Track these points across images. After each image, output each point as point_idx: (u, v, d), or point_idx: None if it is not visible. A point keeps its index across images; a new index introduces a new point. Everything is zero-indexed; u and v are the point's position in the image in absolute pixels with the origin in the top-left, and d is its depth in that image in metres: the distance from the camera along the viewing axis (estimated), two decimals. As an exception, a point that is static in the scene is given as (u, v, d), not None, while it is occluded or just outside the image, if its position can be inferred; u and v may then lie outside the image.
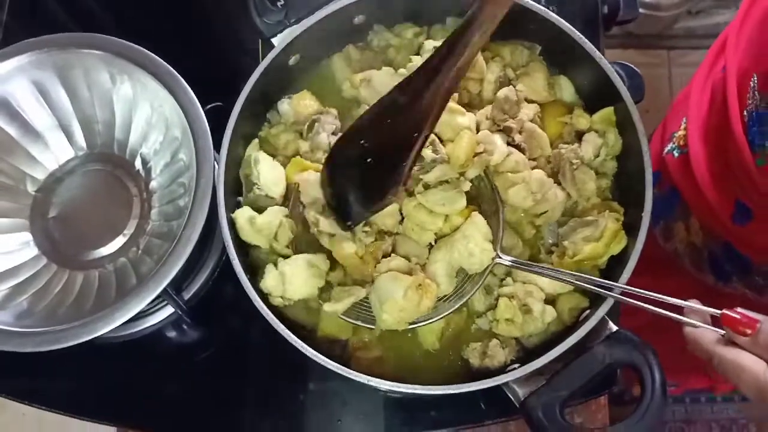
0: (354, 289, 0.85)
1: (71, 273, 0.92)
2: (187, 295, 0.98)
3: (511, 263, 0.84)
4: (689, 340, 0.75)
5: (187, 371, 1.00)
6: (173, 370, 1.01)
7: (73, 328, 0.81)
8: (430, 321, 0.84)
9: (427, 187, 0.85)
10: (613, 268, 0.85)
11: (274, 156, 0.94)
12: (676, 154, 1.09)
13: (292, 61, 0.94)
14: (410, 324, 0.82)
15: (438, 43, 0.90)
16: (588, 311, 0.84)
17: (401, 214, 0.87)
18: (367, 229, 0.85)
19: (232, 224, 0.87)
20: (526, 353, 0.88)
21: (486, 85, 0.93)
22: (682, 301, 0.75)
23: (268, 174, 0.91)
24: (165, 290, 0.83)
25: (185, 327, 1.02)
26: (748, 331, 0.68)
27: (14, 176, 0.95)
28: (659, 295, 0.75)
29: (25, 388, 0.98)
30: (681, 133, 1.07)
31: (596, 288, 0.80)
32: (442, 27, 0.98)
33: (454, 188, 0.84)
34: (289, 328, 0.81)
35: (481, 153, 0.85)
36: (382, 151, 0.75)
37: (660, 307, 0.75)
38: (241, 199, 0.93)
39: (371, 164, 0.76)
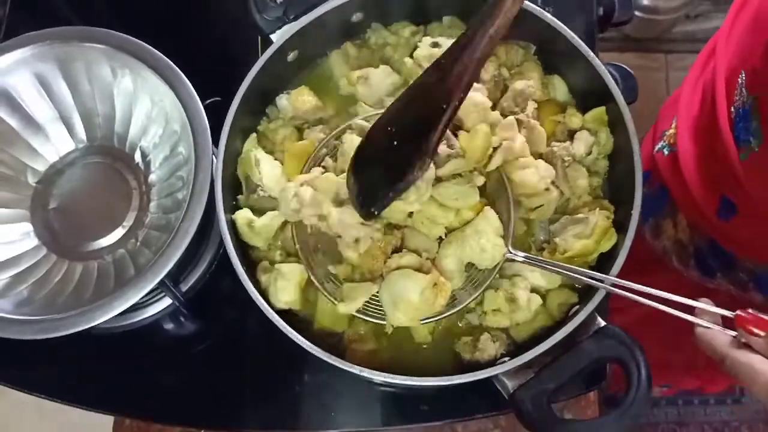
0: (365, 285, 0.84)
1: (71, 263, 0.93)
2: (184, 287, 0.99)
3: (523, 259, 0.84)
4: (701, 341, 0.75)
5: (185, 362, 1.01)
6: (171, 360, 1.01)
7: (71, 317, 0.82)
8: (441, 317, 0.84)
9: (439, 180, 0.84)
10: (602, 264, 0.86)
11: (272, 152, 0.95)
12: (666, 152, 1.10)
13: (290, 57, 0.95)
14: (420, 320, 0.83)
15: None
16: (577, 307, 0.86)
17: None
18: (378, 225, 0.85)
19: (231, 223, 0.88)
20: (516, 347, 0.89)
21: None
22: (694, 302, 0.75)
23: (270, 174, 0.92)
24: (163, 281, 0.84)
25: (182, 319, 1.02)
26: (762, 333, 0.68)
27: (15, 167, 0.96)
28: (667, 294, 0.75)
29: (24, 377, 0.98)
30: (671, 131, 1.08)
31: (608, 287, 0.80)
32: (439, 25, 0.99)
33: (467, 182, 0.83)
34: (285, 320, 0.82)
35: (498, 146, 0.85)
36: (409, 127, 0.74)
37: (665, 305, 0.75)
38: (240, 198, 0.94)
39: (398, 143, 0.75)
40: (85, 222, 0.95)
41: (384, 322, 0.84)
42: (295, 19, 0.91)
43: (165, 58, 0.93)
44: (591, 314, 0.81)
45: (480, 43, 0.68)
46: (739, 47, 0.90)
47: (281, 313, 0.84)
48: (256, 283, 0.87)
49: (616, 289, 0.79)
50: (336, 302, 0.84)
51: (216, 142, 0.88)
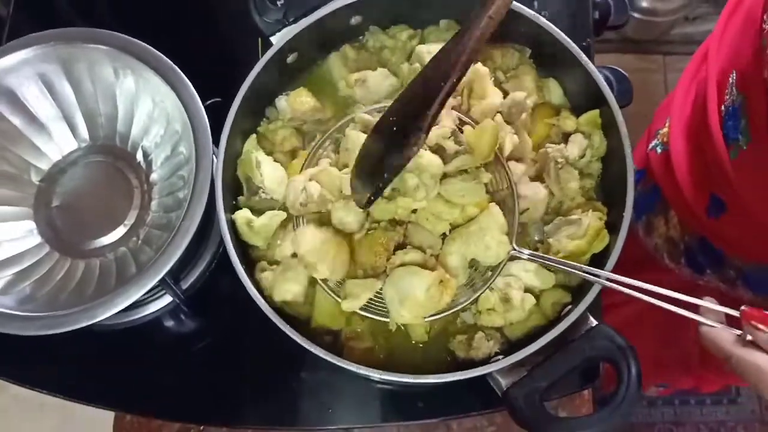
0: (369, 282, 0.84)
1: (73, 261, 0.94)
2: (185, 285, 1.00)
3: (528, 256, 0.85)
4: (706, 340, 0.75)
5: (185, 359, 1.02)
6: (171, 357, 1.02)
7: (74, 314, 0.83)
8: (444, 315, 0.84)
9: (445, 176, 0.84)
10: (595, 264, 0.86)
11: (271, 153, 0.96)
12: (659, 150, 1.11)
13: (290, 59, 0.96)
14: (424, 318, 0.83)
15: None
16: (570, 306, 0.87)
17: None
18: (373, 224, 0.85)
19: (231, 222, 0.89)
20: (510, 346, 0.90)
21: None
22: (698, 300, 0.76)
23: (271, 176, 0.93)
24: (163, 279, 0.85)
25: (183, 316, 1.03)
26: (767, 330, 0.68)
27: (19, 166, 0.97)
28: (670, 292, 0.75)
29: (27, 373, 0.99)
30: (665, 130, 1.09)
31: (612, 283, 0.80)
32: (436, 29, 1.00)
33: (473, 179, 0.83)
34: (283, 319, 0.83)
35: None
36: (409, 107, 0.75)
37: (668, 303, 0.75)
38: (241, 198, 0.95)
39: (397, 126, 0.76)
40: (87, 220, 0.96)
41: (386, 319, 0.85)
42: (295, 21, 0.92)
43: (167, 59, 0.94)
44: (583, 314, 0.82)
45: (479, 23, 0.70)
46: (730, 49, 0.91)
47: (279, 311, 0.85)
48: (255, 282, 0.88)
49: (623, 288, 0.78)
50: (339, 299, 0.84)
51: (216, 142, 0.89)
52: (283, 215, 0.91)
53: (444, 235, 0.87)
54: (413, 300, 0.80)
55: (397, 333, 0.91)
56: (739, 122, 0.85)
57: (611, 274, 0.81)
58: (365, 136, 0.81)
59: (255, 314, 0.83)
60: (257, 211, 0.92)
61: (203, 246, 1.01)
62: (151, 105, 0.96)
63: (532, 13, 0.92)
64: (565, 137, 0.95)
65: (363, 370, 0.81)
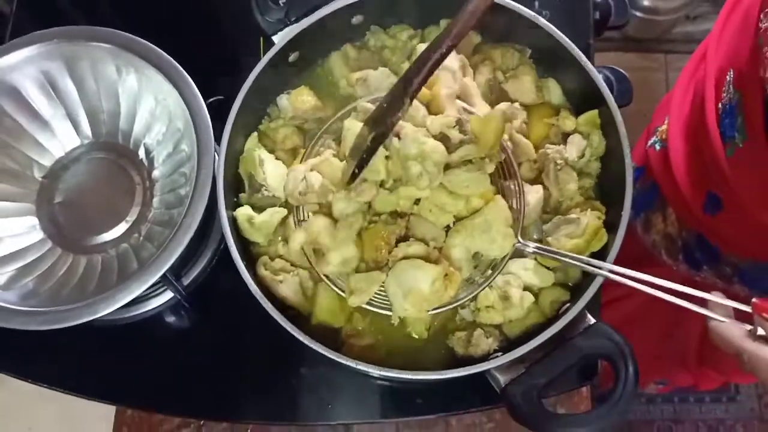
0: (373, 275, 0.83)
1: (75, 257, 0.95)
2: (186, 281, 1.01)
3: (533, 249, 0.85)
4: (715, 335, 0.74)
5: (185, 354, 1.02)
6: (172, 352, 1.03)
7: (76, 309, 0.83)
8: (447, 308, 0.84)
9: (449, 167, 0.83)
10: (593, 264, 0.88)
11: (273, 150, 0.96)
12: (657, 147, 1.12)
13: (291, 58, 0.97)
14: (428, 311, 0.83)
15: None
16: (568, 304, 0.87)
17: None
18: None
19: (232, 219, 0.90)
20: (508, 343, 0.90)
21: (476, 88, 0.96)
22: (706, 294, 0.75)
23: (274, 174, 0.93)
24: (165, 275, 0.86)
25: (184, 312, 1.04)
26: None
27: (22, 162, 0.98)
28: (678, 285, 0.75)
29: (28, 367, 1.00)
30: (663, 127, 1.10)
31: (617, 276, 0.80)
32: (436, 29, 1.00)
33: (477, 169, 0.82)
34: (283, 315, 0.83)
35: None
36: (399, 82, 0.75)
37: (674, 297, 0.75)
38: (242, 195, 0.95)
39: (387, 102, 0.76)
40: (89, 216, 0.97)
41: (389, 312, 0.84)
42: (297, 21, 0.93)
43: (169, 57, 0.94)
44: (581, 312, 0.83)
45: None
46: (728, 48, 0.92)
47: (280, 307, 0.85)
48: (256, 278, 0.88)
49: (631, 282, 0.78)
50: (344, 295, 0.84)
51: (218, 139, 0.90)
52: (284, 212, 0.92)
53: (448, 228, 0.86)
54: (417, 293, 0.80)
55: (397, 330, 0.91)
56: (735, 120, 0.86)
57: (615, 266, 0.81)
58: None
59: (255, 310, 0.84)
60: (258, 208, 0.93)
61: (204, 243, 1.02)
62: (154, 103, 0.97)
63: (532, 13, 0.92)
64: (564, 137, 0.95)
65: (362, 366, 0.81)
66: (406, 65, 0.95)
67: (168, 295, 1.01)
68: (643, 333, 1.36)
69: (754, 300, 0.70)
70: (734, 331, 0.72)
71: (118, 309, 0.84)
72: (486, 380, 0.85)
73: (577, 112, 0.97)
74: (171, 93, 0.93)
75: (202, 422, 1.05)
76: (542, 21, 0.92)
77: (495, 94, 0.97)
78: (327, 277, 0.86)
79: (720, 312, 0.75)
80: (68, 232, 0.96)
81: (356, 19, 0.98)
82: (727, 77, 0.88)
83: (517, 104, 0.94)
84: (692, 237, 1.10)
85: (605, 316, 0.87)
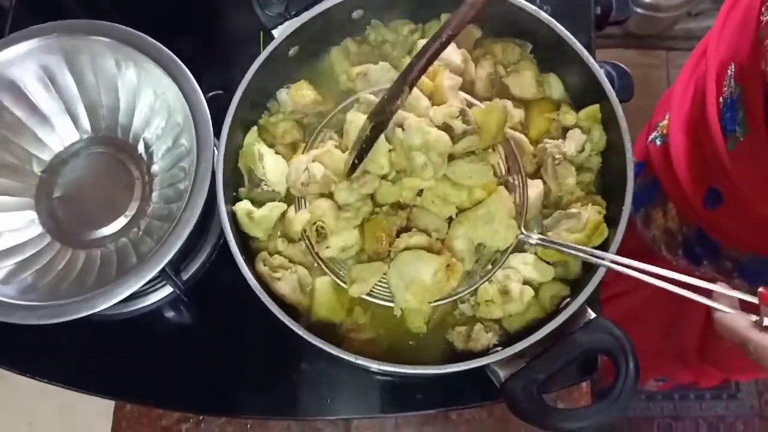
0: (375, 265, 0.83)
1: (74, 251, 0.95)
2: (185, 276, 1.01)
3: (536, 241, 0.84)
4: (720, 326, 0.74)
5: (184, 349, 1.02)
6: (171, 347, 1.02)
7: (74, 303, 0.83)
8: (448, 300, 0.85)
9: (452, 158, 0.83)
10: (594, 258, 0.88)
11: (272, 145, 0.96)
12: (658, 143, 1.12)
13: (291, 52, 0.96)
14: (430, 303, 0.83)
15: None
16: (568, 299, 0.87)
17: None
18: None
19: (231, 213, 0.90)
20: (508, 338, 0.90)
21: (477, 82, 0.96)
22: (711, 285, 0.75)
23: (274, 169, 0.93)
24: (164, 270, 0.86)
25: (183, 307, 1.04)
26: None
27: (21, 157, 0.98)
28: (683, 276, 0.74)
29: (27, 362, 1.00)
30: (664, 122, 1.10)
31: (621, 267, 0.79)
32: (437, 23, 1.00)
33: (480, 160, 0.82)
34: (282, 310, 0.83)
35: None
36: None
37: (679, 287, 0.75)
38: (242, 190, 0.95)
39: (387, 95, 0.76)
40: (88, 211, 0.97)
41: (391, 304, 0.84)
42: (297, 15, 0.92)
43: (168, 51, 0.94)
44: (582, 306, 0.82)
45: None
46: (729, 43, 0.92)
47: (279, 302, 0.85)
48: (256, 273, 0.88)
49: (636, 273, 0.78)
50: (344, 285, 0.84)
51: (218, 134, 0.90)
52: (283, 207, 0.92)
53: (450, 219, 0.86)
54: (419, 284, 0.80)
55: (398, 325, 0.91)
56: (736, 114, 0.86)
57: (617, 257, 0.80)
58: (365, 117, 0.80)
59: (255, 305, 0.83)
60: (258, 203, 0.93)
61: (204, 237, 1.02)
62: (153, 97, 0.97)
63: (534, 8, 0.92)
64: (565, 132, 0.95)
65: (362, 361, 0.81)
66: (406, 60, 0.95)
67: (167, 290, 1.01)
68: (643, 330, 1.36)
69: (760, 290, 0.70)
70: (740, 322, 0.72)
71: (117, 303, 0.84)
72: (486, 375, 0.84)
73: (577, 107, 0.96)
74: (170, 87, 0.93)
75: (201, 417, 1.05)
76: (544, 15, 0.91)
77: (496, 89, 0.97)
78: (327, 266, 0.86)
79: (725, 302, 0.74)
80: (67, 227, 0.96)
81: (356, 14, 0.98)
82: (728, 71, 0.88)
83: (510, 104, 0.94)
84: (692, 232, 1.10)
85: (606, 313, 0.87)
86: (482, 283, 0.86)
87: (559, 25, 0.92)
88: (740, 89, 0.85)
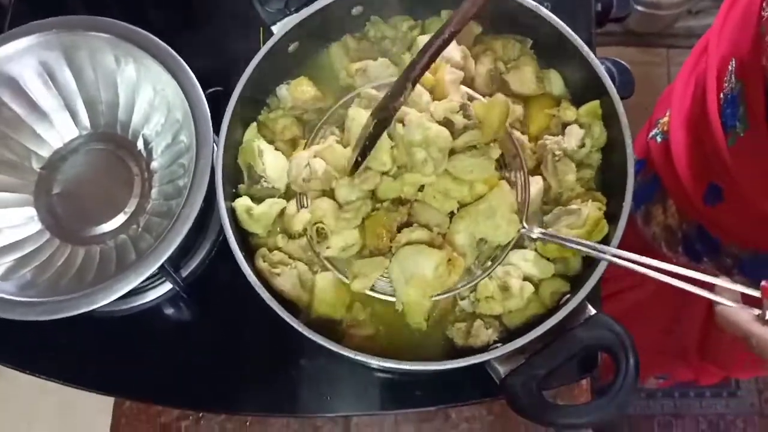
0: (377, 260, 0.83)
1: (73, 247, 0.95)
2: (184, 273, 1.01)
3: (538, 235, 0.84)
4: (722, 319, 0.75)
5: (184, 346, 1.02)
6: (170, 344, 1.02)
7: (74, 299, 0.83)
8: (449, 294, 0.85)
9: (453, 152, 0.82)
10: (594, 254, 0.88)
11: (272, 141, 0.96)
12: (659, 140, 1.12)
13: (291, 48, 0.96)
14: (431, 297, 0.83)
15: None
16: (568, 295, 0.87)
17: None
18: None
19: (231, 210, 0.90)
20: (508, 334, 0.90)
21: (477, 79, 0.96)
22: (714, 279, 0.75)
23: (273, 165, 0.93)
24: (163, 266, 0.86)
25: (182, 304, 1.04)
26: None
27: (20, 153, 0.98)
28: (685, 270, 0.75)
29: (26, 358, 0.99)
30: (665, 119, 1.10)
31: (623, 261, 0.79)
32: (437, 20, 1.00)
33: (482, 155, 0.82)
34: (282, 306, 0.83)
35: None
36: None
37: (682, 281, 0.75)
38: (241, 186, 0.95)
39: (390, 92, 0.76)
40: (87, 207, 0.97)
41: (392, 299, 0.84)
42: (297, 11, 0.92)
43: (168, 47, 0.94)
44: (582, 303, 0.82)
45: None
46: (730, 40, 0.92)
47: (279, 301, 0.85)
48: (255, 270, 0.88)
49: (638, 267, 0.78)
50: (346, 280, 0.84)
51: (217, 130, 0.90)
52: (283, 203, 0.92)
53: (452, 214, 0.86)
54: (420, 279, 0.80)
55: (398, 321, 0.90)
56: (737, 109, 0.86)
57: (619, 251, 0.80)
58: (368, 113, 0.80)
59: (254, 302, 0.83)
60: (257, 200, 0.92)
61: (203, 234, 1.02)
62: (152, 93, 0.96)
63: (534, 3, 0.92)
64: (565, 128, 0.94)
65: (361, 357, 0.81)
66: (406, 56, 0.95)
67: (167, 286, 1.00)
68: (644, 327, 1.36)
69: (763, 283, 0.70)
70: (742, 316, 0.73)
71: (116, 300, 0.84)
72: (486, 372, 0.84)
73: (578, 103, 0.96)
74: (170, 83, 0.93)
75: (201, 414, 1.05)
76: (544, 11, 0.91)
77: (496, 85, 0.97)
78: (329, 261, 0.86)
79: (727, 296, 0.74)
80: (66, 223, 0.96)
81: (356, 10, 0.98)
82: (729, 67, 0.88)
83: (510, 100, 0.94)
84: (693, 229, 1.10)
85: (606, 310, 0.87)
86: (482, 279, 0.86)
87: (559, 20, 0.91)
88: (741, 85, 0.85)
